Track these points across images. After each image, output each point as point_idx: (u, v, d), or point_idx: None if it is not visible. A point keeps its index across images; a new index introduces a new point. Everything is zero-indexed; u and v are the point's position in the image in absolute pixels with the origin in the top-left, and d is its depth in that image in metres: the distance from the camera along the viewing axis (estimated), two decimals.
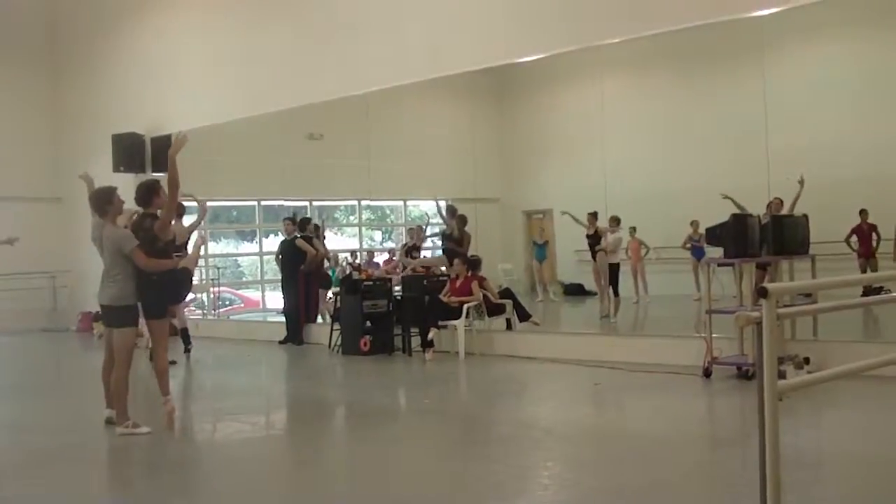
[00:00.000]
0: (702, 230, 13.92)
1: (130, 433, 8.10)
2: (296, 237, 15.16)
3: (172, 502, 6.36)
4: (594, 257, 15.07)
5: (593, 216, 15.13)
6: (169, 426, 8.37)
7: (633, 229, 16.20)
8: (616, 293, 14.86)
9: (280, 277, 15.89)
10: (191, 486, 6.91)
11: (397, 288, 14.22)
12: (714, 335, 9.94)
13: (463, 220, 14.86)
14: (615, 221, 14.98)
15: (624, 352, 11.47)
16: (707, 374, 9.84)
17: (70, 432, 8.64)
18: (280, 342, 15.08)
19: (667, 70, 16.68)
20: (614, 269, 14.91)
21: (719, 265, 10.59)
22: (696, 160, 16.49)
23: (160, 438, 8.21)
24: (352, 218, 22.97)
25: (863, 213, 13.04)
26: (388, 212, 23.41)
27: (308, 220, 15.85)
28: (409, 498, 6.12)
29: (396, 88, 14.73)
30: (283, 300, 15.72)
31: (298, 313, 15.16)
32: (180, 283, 8.73)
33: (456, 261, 13.33)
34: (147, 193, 8.41)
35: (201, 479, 7.14)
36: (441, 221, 15.91)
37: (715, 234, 10.31)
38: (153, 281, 8.19)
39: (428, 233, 16.84)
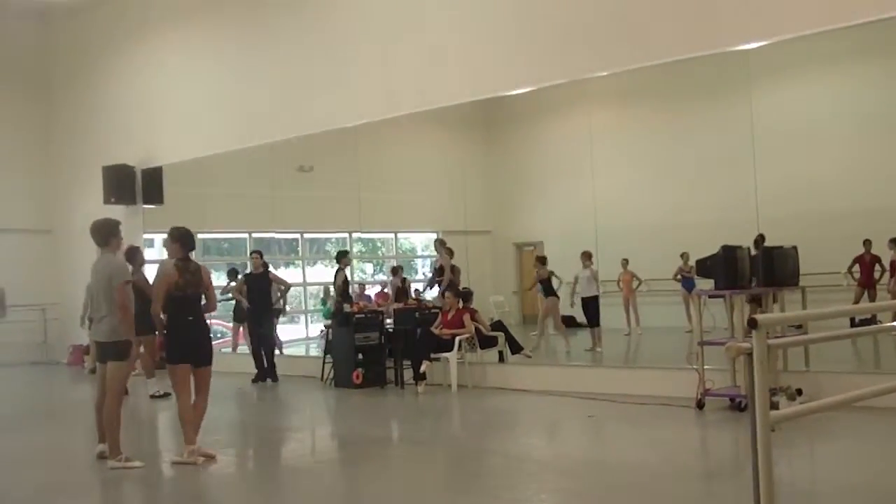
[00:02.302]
0: (692, 262, 14.01)
1: (123, 467, 8.07)
2: (265, 271, 14.83)
3: None
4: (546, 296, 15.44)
5: (540, 260, 15.67)
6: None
7: (625, 261, 16.28)
8: (597, 324, 14.90)
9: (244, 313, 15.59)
10: None
11: (388, 321, 14.22)
12: (706, 367, 9.95)
13: (448, 251, 15.00)
14: (587, 256, 15.07)
15: (617, 384, 11.48)
16: (700, 405, 9.86)
17: (66, 467, 8.62)
18: (254, 381, 14.40)
19: (655, 103, 16.80)
20: (593, 303, 14.94)
21: (710, 297, 10.65)
22: (685, 192, 16.58)
23: (153, 473, 8.19)
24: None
25: (867, 243, 13.18)
26: (378, 244, 23.44)
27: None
28: None
29: (386, 121, 14.79)
30: (252, 336, 15.10)
31: (271, 349, 14.77)
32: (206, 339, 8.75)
33: (447, 293, 13.36)
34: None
35: None
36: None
37: (705, 266, 10.37)
38: (178, 327, 8.31)
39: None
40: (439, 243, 15.61)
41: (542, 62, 12.55)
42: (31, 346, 19.24)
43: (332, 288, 18.46)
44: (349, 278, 15.17)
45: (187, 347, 8.34)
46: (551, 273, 15.66)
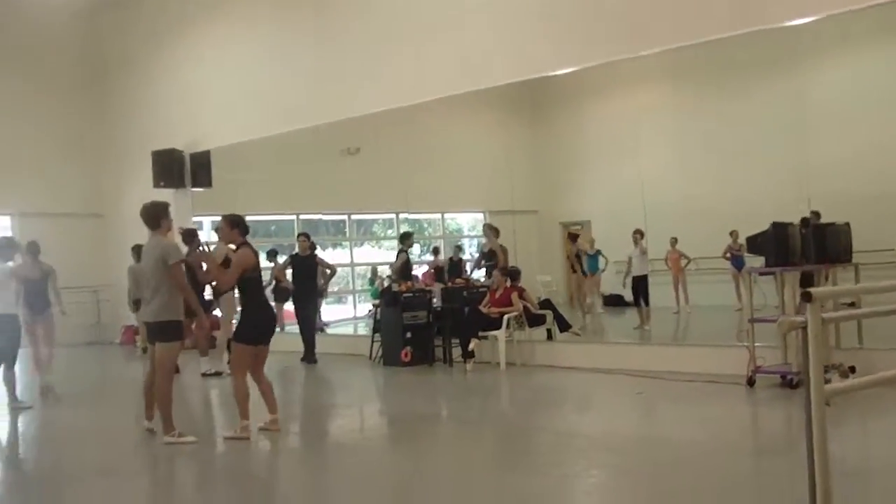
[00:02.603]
0: (741, 240, 13.89)
1: (176, 442, 8.19)
2: (313, 254, 14.88)
3: None
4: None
5: (571, 237, 15.94)
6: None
7: (673, 240, 16.16)
8: (647, 303, 14.84)
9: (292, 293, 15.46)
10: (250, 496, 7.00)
11: (436, 300, 14.26)
12: (757, 344, 9.89)
13: (496, 232, 15.02)
14: (639, 234, 14.99)
15: (666, 361, 11.43)
16: (751, 382, 9.80)
17: (121, 443, 8.74)
18: (302, 359, 14.45)
19: (702, 80, 16.62)
20: (642, 281, 14.88)
21: (760, 274, 10.54)
22: (733, 170, 16.40)
23: (205, 448, 8.32)
24: (389, 231, 23.08)
25: None
26: (425, 225, 23.48)
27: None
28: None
29: (432, 101, 14.78)
30: (300, 316, 14.95)
31: (312, 331, 14.82)
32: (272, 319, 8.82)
33: (495, 272, 13.37)
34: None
35: (257, 490, 7.22)
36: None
37: (755, 244, 10.28)
38: (257, 308, 8.45)
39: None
40: (488, 228, 15.65)
41: (587, 42, 12.46)
42: (85, 328, 19.54)
43: (387, 268, 18.60)
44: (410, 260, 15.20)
45: (262, 328, 8.50)
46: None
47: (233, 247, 8.69)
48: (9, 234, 16.65)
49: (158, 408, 8.35)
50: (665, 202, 16.04)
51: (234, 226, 8.55)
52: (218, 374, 13.09)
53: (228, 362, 13.17)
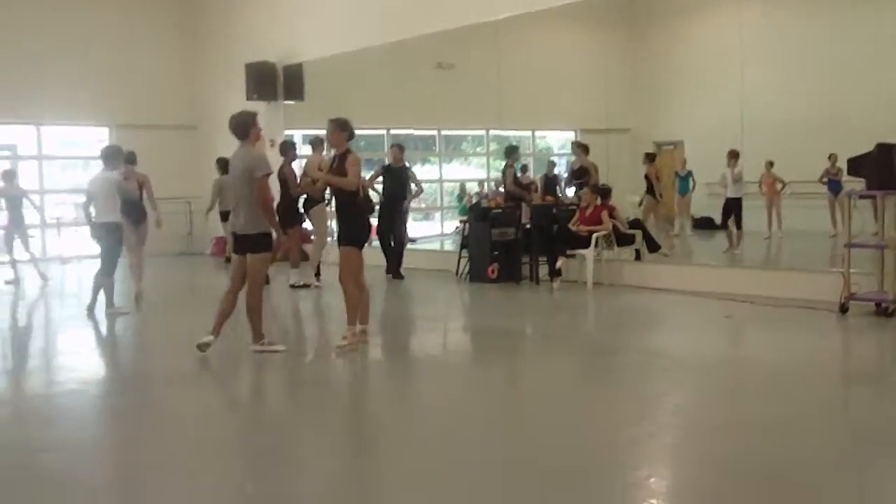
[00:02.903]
0: (840, 164, 13.50)
1: (265, 350, 8.34)
2: (405, 166, 14.52)
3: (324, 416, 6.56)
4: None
5: (649, 157, 15.64)
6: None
7: (769, 163, 15.79)
8: (739, 226, 14.57)
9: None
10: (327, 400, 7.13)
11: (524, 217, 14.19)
12: (852, 271, 9.66)
13: (585, 150, 14.83)
14: (734, 156, 14.64)
15: (757, 285, 11.24)
16: (843, 309, 9.59)
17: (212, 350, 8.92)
18: (388, 272, 14.27)
19: None
20: (736, 204, 14.58)
21: (860, 197, 10.23)
22: (835, 92, 15.91)
23: (292, 357, 8.47)
24: (479, 148, 22.99)
25: None
26: (514, 142, 23.30)
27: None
28: (538, 422, 6.17)
29: (527, 16, 14.52)
30: (386, 229, 14.38)
31: (402, 244, 14.59)
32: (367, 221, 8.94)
33: (585, 189, 13.24)
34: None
35: (333, 396, 7.36)
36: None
37: (857, 165, 9.98)
38: (356, 209, 8.42)
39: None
40: (576, 145, 15.45)
41: None
42: (177, 238, 19.95)
43: (484, 185, 18.53)
44: (518, 175, 15.07)
45: (368, 232, 8.71)
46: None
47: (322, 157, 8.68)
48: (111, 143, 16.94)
49: (248, 317, 8.38)
50: (763, 123, 15.65)
51: (343, 129, 8.46)
52: (307, 286, 13.29)
53: (317, 274, 13.53)
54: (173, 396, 7.23)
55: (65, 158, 22.13)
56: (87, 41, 20.01)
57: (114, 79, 20.21)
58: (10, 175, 15.39)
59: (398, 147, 14.48)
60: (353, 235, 8.48)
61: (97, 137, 20.38)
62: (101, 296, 11.18)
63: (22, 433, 6.18)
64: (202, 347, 8.21)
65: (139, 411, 6.82)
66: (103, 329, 10.67)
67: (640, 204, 15.56)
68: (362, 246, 8.52)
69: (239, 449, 5.84)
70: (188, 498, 4.83)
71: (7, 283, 15.08)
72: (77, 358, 9.13)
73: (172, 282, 15.82)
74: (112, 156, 11.38)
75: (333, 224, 12.58)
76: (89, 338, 10.36)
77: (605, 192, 13.21)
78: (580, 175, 14.67)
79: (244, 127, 8.37)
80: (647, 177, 15.40)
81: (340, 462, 5.51)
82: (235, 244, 8.57)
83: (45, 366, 8.97)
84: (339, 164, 8.41)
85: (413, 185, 14.99)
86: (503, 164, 14.78)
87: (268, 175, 8.39)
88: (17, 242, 15.43)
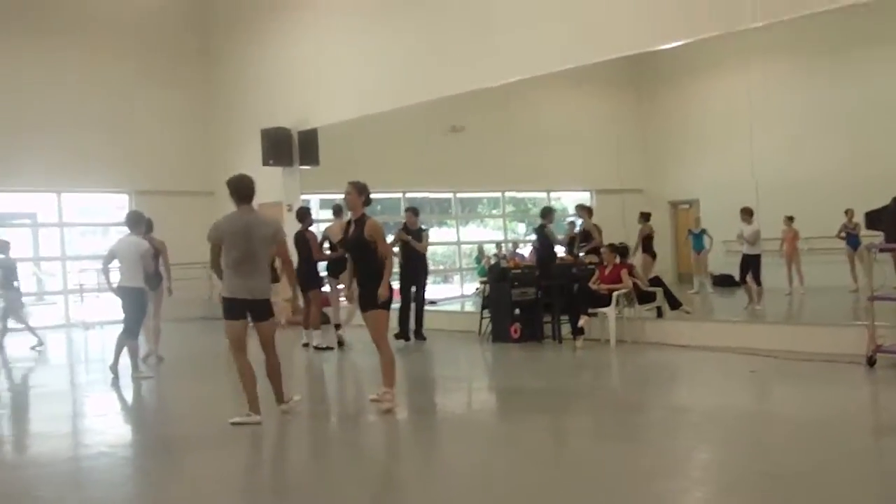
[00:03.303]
0: (857, 219, 13.57)
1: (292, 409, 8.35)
2: (422, 229, 14.37)
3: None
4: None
5: (644, 216, 16.04)
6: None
7: (788, 218, 15.87)
8: (758, 283, 14.58)
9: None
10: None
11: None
12: (876, 323, 9.66)
13: (589, 213, 14.97)
14: (748, 213, 14.71)
15: (780, 340, 11.22)
16: (871, 362, 9.57)
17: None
18: (396, 336, 13.69)
19: (816, 55, 16.28)
20: (755, 260, 14.62)
21: (881, 251, 10.28)
22: (849, 147, 16.06)
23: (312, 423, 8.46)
24: (494, 211, 23.15)
25: None
26: (530, 205, 23.48)
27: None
28: (565, 480, 6.15)
29: (537, 79, 14.69)
30: (408, 291, 14.21)
31: (422, 306, 14.38)
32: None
33: (604, 249, 13.31)
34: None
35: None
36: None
37: (875, 219, 10.06)
38: (376, 274, 8.34)
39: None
40: (580, 208, 15.59)
41: (694, 14, 12.17)
42: (198, 302, 20.03)
43: (502, 246, 18.54)
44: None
45: (392, 295, 8.59)
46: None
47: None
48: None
49: (273, 380, 8.30)
50: (777, 180, 15.79)
51: (362, 193, 8.53)
52: (329, 348, 13.39)
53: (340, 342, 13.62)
54: (201, 460, 7.23)
55: (85, 225, 22.37)
56: (106, 110, 20.37)
57: (133, 146, 20.53)
58: (4, 246, 15.53)
59: (412, 211, 14.48)
60: (385, 300, 8.44)
61: (116, 204, 20.61)
62: (124, 358, 11.26)
63: (56, 494, 6.19)
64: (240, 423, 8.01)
65: (166, 474, 6.84)
66: (128, 393, 10.72)
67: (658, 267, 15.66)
68: (388, 307, 8.54)
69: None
70: None
71: (33, 348, 15.24)
72: (104, 421, 9.18)
73: (193, 346, 15.84)
74: (136, 221, 11.57)
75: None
76: (115, 402, 10.41)
77: (623, 251, 13.26)
78: (585, 238, 14.81)
79: (252, 190, 8.16)
80: (646, 237, 15.55)
81: None
82: (243, 309, 8.13)
83: (74, 429, 9.00)
84: (357, 229, 8.48)
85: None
86: (539, 224, 14.77)
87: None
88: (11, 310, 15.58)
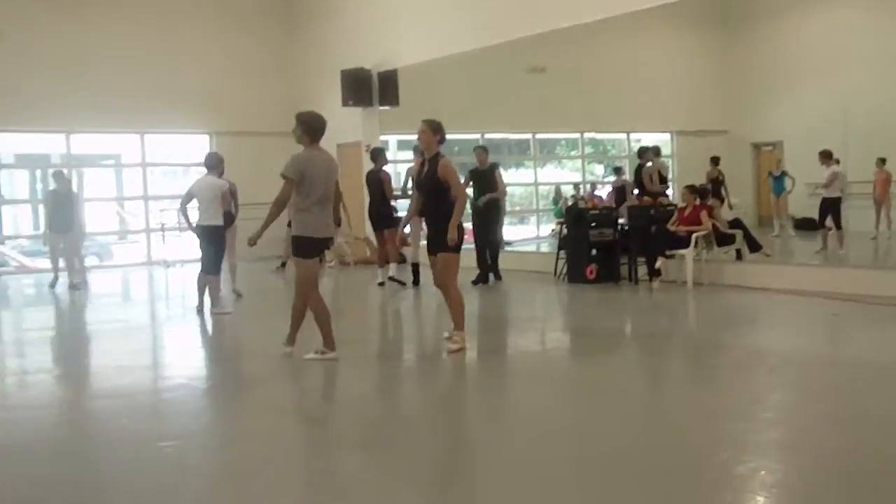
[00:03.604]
0: None
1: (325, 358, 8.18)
2: (492, 166, 14.05)
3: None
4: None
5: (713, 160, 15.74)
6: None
7: (881, 161, 15.42)
8: (838, 227, 14.23)
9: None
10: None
11: (621, 220, 14.08)
12: None
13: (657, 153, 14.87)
14: (828, 156, 14.32)
15: (862, 285, 10.95)
16: None
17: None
18: (473, 282, 13.49)
19: None
20: (834, 203, 14.26)
21: None
22: None
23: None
24: (573, 152, 22.93)
25: None
26: (609, 146, 23.21)
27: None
28: (637, 418, 6.10)
29: (619, 17, 14.38)
30: (479, 234, 14.05)
31: (496, 247, 14.28)
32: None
33: (684, 189, 13.09)
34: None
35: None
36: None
37: None
38: (447, 215, 8.17)
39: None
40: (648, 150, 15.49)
41: None
42: (274, 242, 20.21)
43: (580, 188, 18.45)
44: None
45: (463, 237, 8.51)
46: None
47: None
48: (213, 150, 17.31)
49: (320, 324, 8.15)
50: (867, 122, 15.33)
51: (437, 131, 8.32)
52: (403, 283, 13.81)
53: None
54: (276, 394, 7.35)
55: (167, 165, 22.73)
56: (189, 51, 20.53)
57: (214, 87, 20.67)
58: (60, 176, 15.67)
59: (482, 149, 14.28)
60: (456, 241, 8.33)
61: (197, 145, 20.87)
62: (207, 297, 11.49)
63: (138, 424, 6.34)
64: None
65: (242, 408, 6.97)
66: (209, 328, 10.92)
67: (739, 207, 15.39)
68: (460, 250, 8.43)
69: (343, 441, 5.91)
70: (294, 483, 4.91)
71: (74, 285, 15.22)
72: (184, 356, 9.42)
73: (270, 284, 16.05)
74: (216, 162, 11.74)
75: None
76: (195, 337, 10.62)
77: (703, 193, 13.04)
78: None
79: (325, 127, 8.08)
80: (713, 180, 15.26)
81: (448, 453, 5.55)
82: (322, 248, 8.30)
83: (155, 363, 9.24)
84: (430, 169, 8.33)
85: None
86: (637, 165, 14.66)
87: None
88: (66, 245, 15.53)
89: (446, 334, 8.63)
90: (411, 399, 7.26)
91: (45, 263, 15.94)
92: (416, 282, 13.75)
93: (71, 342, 10.97)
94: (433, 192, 8.34)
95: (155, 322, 12.53)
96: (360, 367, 8.20)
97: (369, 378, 7.92)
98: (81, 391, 7.80)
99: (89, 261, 17.16)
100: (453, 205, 8.28)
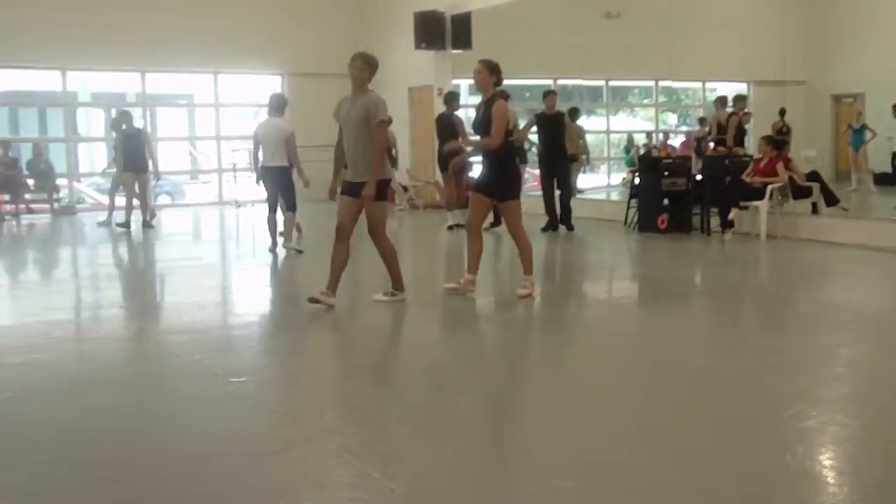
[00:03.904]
0: None
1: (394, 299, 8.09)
2: (559, 113, 13.68)
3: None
4: None
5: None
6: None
7: None
8: None
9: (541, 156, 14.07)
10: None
11: (695, 169, 13.90)
12: None
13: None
14: None
15: None
16: None
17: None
18: (543, 229, 13.34)
19: None
20: None
21: None
22: None
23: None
24: (646, 100, 22.62)
25: None
26: (682, 96, 22.85)
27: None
28: (705, 370, 6.02)
29: None
30: (544, 181, 13.72)
31: (569, 194, 13.90)
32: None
33: (761, 140, 12.83)
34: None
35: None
36: None
37: None
38: (514, 163, 8.20)
39: None
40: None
41: None
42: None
43: (653, 136, 18.26)
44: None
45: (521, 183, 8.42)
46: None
47: None
48: (279, 91, 17.34)
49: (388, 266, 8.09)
50: None
51: (493, 72, 8.05)
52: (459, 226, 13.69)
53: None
54: (346, 332, 7.42)
55: (239, 106, 22.87)
56: None
57: (287, 29, 20.66)
58: (126, 117, 15.48)
59: (552, 93, 13.87)
60: (510, 187, 8.17)
61: (269, 85, 20.95)
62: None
63: (213, 360, 6.43)
64: (313, 301, 7.78)
65: (311, 345, 7.05)
66: (279, 267, 11.07)
67: (815, 160, 15.07)
68: (519, 196, 8.25)
69: (409, 381, 5.95)
70: (359, 419, 4.97)
71: (119, 225, 15.15)
72: (255, 293, 9.55)
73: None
74: (280, 104, 11.78)
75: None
76: (266, 275, 10.77)
77: (780, 144, 12.77)
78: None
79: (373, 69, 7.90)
80: (777, 130, 14.93)
81: (512, 395, 5.56)
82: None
83: (225, 299, 9.37)
84: (486, 112, 8.05)
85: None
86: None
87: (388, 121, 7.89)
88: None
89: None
90: (477, 342, 7.27)
91: (121, 201, 16.06)
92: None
93: (145, 278, 11.20)
94: (489, 135, 8.06)
95: (226, 260, 12.71)
96: (428, 309, 8.24)
97: (437, 321, 7.96)
98: (156, 326, 7.93)
99: (161, 199, 17.31)
100: (512, 150, 8.19)
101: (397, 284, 8.09)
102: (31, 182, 18.08)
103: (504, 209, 8.32)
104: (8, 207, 17.48)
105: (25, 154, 19.31)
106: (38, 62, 18.98)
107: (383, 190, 7.85)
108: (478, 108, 8.38)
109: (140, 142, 15.33)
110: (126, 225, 15.09)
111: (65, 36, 18.24)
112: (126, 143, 15.28)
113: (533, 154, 14.71)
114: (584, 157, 16.27)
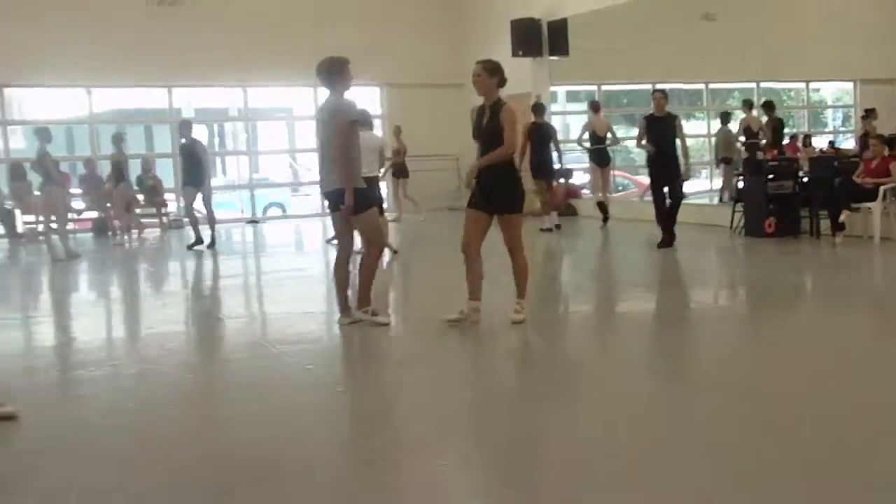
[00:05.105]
0: None
1: (368, 319, 7.80)
2: (670, 114, 12.64)
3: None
4: None
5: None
6: None
7: None
8: None
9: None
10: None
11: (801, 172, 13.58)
12: None
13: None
14: None
15: None
16: None
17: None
18: (659, 246, 12.27)
19: None
20: None
21: None
22: None
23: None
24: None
25: None
26: (784, 96, 22.40)
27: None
28: (823, 373, 5.90)
29: None
30: (655, 187, 12.73)
31: (678, 201, 12.66)
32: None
33: (872, 140, 12.49)
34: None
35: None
36: None
37: None
38: (516, 172, 7.42)
39: None
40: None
41: None
42: (446, 193, 20.44)
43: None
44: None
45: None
46: None
47: None
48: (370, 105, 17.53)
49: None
50: None
51: (494, 73, 7.26)
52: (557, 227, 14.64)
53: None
54: (451, 340, 7.41)
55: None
56: (359, 4, 20.74)
57: (384, 40, 20.81)
58: (186, 127, 14.86)
59: (661, 93, 12.83)
60: (518, 202, 7.41)
61: (367, 97, 21.17)
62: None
63: (323, 370, 6.50)
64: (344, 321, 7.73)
65: (427, 354, 7.07)
66: (385, 276, 11.16)
67: None
68: (522, 210, 7.49)
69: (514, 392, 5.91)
70: (470, 432, 4.95)
71: (189, 247, 14.60)
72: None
73: (439, 235, 16.19)
74: (364, 117, 12.00)
75: None
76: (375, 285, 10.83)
77: (892, 142, 12.41)
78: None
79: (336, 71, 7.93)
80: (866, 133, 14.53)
81: (618, 406, 5.49)
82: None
83: (329, 309, 9.44)
84: (491, 117, 7.27)
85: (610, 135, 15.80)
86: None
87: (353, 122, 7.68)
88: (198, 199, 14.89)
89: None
90: (580, 348, 7.21)
91: (226, 214, 15.84)
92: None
93: (256, 289, 11.41)
94: (496, 143, 7.21)
95: (329, 270, 12.81)
96: (540, 318, 8.18)
97: (544, 331, 7.90)
98: (269, 336, 8.05)
99: (272, 211, 17.50)
100: (513, 159, 7.43)
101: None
102: (140, 197, 18.50)
103: (505, 223, 7.40)
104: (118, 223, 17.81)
105: (135, 170, 19.82)
106: (146, 81, 19.54)
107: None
108: (477, 113, 7.47)
109: (194, 154, 14.59)
110: (197, 243, 14.49)
111: (169, 57, 18.75)
112: (182, 156, 14.91)
113: (632, 158, 14.72)
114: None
